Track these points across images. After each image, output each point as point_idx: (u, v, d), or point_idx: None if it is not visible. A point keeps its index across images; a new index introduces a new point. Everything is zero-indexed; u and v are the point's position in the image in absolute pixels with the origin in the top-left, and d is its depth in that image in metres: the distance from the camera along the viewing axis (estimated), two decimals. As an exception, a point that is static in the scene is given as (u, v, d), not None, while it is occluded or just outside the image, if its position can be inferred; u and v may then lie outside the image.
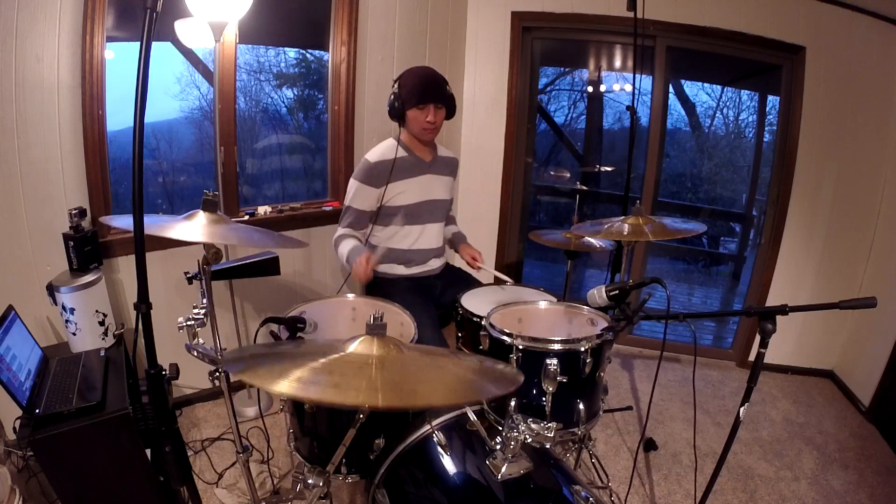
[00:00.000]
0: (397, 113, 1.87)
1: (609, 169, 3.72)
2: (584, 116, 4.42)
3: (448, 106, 1.90)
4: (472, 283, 2.05)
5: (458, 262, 2.21)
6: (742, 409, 1.25)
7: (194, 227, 1.19)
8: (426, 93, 1.83)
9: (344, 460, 1.35)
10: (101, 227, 1.94)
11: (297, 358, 0.88)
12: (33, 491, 1.59)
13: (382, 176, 1.88)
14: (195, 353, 1.30)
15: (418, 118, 1.85)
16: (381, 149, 1.93)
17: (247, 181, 2.67)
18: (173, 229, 1.16)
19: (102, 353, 1.72)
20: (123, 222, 1.23)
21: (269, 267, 2.02)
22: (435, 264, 2.09)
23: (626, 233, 1.75)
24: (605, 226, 1.83)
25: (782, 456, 2.25)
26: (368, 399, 0.75)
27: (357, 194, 1.90)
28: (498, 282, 2.02)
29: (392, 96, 1.86)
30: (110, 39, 1.89)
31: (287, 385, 0.76)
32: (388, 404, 0.75)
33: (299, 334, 1.37)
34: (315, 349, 0.94)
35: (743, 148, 4.27)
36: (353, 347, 0.91)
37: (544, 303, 1.73)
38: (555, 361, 1.40)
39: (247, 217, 2.38)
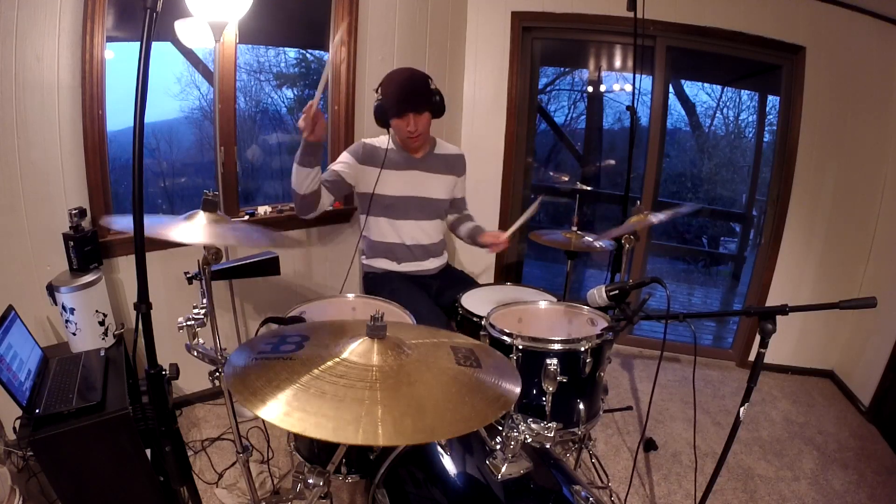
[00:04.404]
0: (381, 121, 1.88)
1: (610, 162, 3.72)
2: (584, 116, 4.42)
3: (432, 108, 1.85)
4: (471, 283, 2.05)
5: (459, 263, 2.21)
6: (742, 409, 1.25)
7: (194, 228, 1.19)
8: (403, 102, 1.79)
9: (344, 460, 1.35)
10: (101, 227, 1.94)
11: (294, 367, 0.87)
12: (33, 491, 1.59)
13: (370, 158, 1.91)
14: (195, 353, 1.30)
15: (400, 127, 1.84)
16: (377, 138, 1.97)
17: (247, 181, 2.67)
18: (173, 230, 1.16)
19: (102, 353, 1.72)
20: (124, 224, 1.23)
21: (269, 267, 2.02)
22: (430, 264, 2.08)
23: (635, 226, 1.77)
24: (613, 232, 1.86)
25: (782, 456, 2.25)
26: (367, 437, 0.72)
27: (342, 160, 1.93)
28: (503, 281, 2.01)
29: (376, 103, 1.84)
30: (110, 39, 1.89)
31: (284, 417, 0.75)
32: (391, 442, 0.73)
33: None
34: (313, 349, 0.94)
35: (743, 148, 4.28)
36: (351, 351, 0.91)
37: (544, 303, 1.74)
38: (555, 361, 1.40)
39: (247, 217, 2.38)
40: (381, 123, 1.89)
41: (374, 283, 2.01)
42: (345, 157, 1.93)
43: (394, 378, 0.86)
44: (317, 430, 0.73)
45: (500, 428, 1.10)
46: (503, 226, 3.21)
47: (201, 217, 1.22)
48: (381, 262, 2.02)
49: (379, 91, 1.84)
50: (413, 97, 1.80)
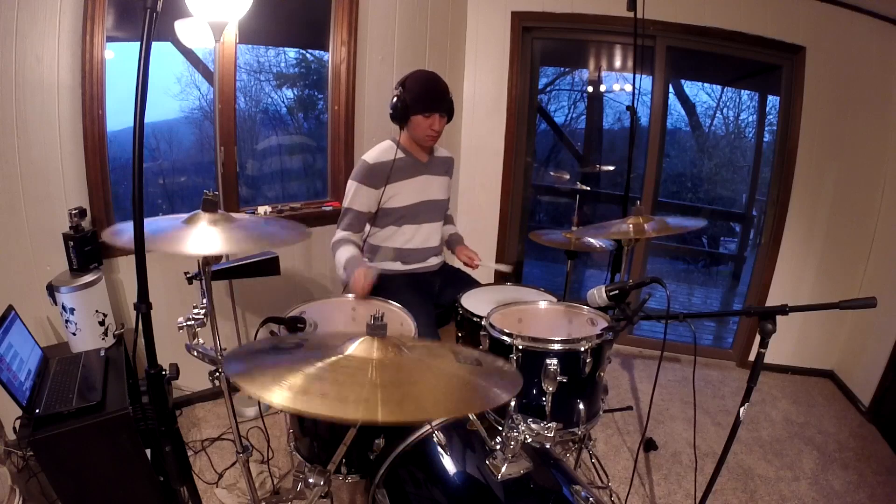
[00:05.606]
0: (400, 116, 1.86)
1: (609, 168, 3.72)
2: (584, 116, 4.42)
3: (450, 114, 1.91)
4: (471, 283, 2.06)
5: (458, 262, 2.21)
6: (742, 409, 1.25)
7: (196, 236, 1.16)
8: (434, 101, 1.84)
9: (344, 460, 1.35)
10: (101, 227, 1.94)
11: (295, 360, 0.87)
12: (33, 491, 1.59)
13: (381, 177, 1.88)
14: (195, 353, 1.30)
15: (422, 125, 1.85)
16: (378, 150, 1.93)
17: (247, 181, 2.67)
18: (176, 240, 1.14)
19: (102, 353, 1.72)
20: (128, 237, 1.19)
21: (269, 267, 2.02)
22: (433, 262, 2.10)
23: (628, 232, 1.75)
24: (608, 229, 1.83)
25: (782, 456, 2.25)
26: (368, 413, 0.73)
27: (356, 195, 1.90)
28: (499, 275, 2.02)
29: (395, 98, 1.84)
30: (110, 39, 1.89)
31: (283, 396, 0.75)
32: (388, 419, 0.73)
33: (299, 334, 1.38)
34: (314, 349, 0.94)
35: (743, 148, 4.27)
36: (353, 349, 0.91)
37: (544, 303, 1.74)
38: (555, 361, 1.40)
39: (247, 217, 2.38)
40: (398, 119, 1.88)
41: (378, 285, 2.01)
42: (360, 190, 1.89)
43: (394, 370, 0.86)
44: (317, 407, 0.74)
45: (500, 428, 1.10)
46: (503, 227, 3.22)
47: (202, 219, 1.21)
48: (387, 264, 2.02)
49: (403, 87, 1.83)
50: (443, 99, 1.85)
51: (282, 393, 0.76)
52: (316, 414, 0.72)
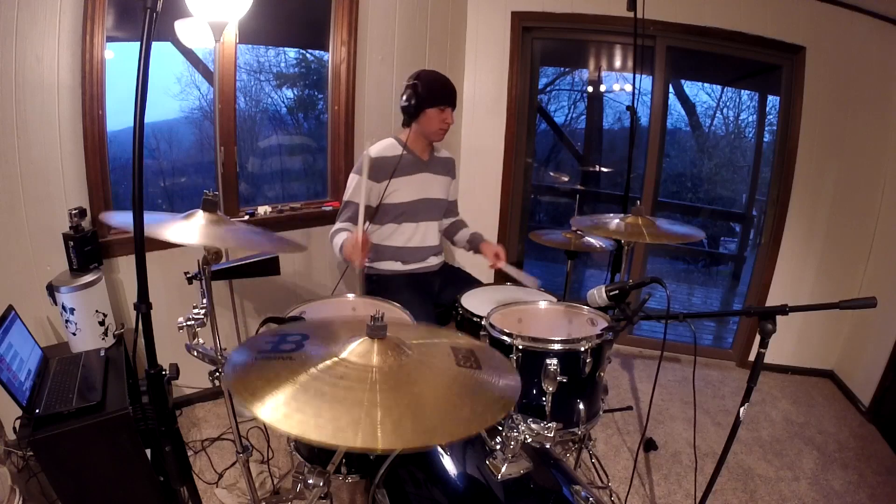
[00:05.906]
0: (414, 109, 1.88)
1: (608, 170, 3.72)
2: (584, 116, 4.42)
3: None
4: (472, 283, 2.05)
5: (458, 261, 2.21)
6: (742, 409, 1.25)
7: (192, 228, 1.17)
8: (448, 96, 1.90)
9: (344, 460, 1.35)
10: (101, 227, 1.94)
11: (293, 367, 0.86)
12: (33, 491, 1.59)
13: (382, 172, 1.89)
14: (195, 353, 1.30)
15: (436, 118, 1.89)
16: (380, 146, 1.94)
17: (247, 181, 2.67)
18: (170, 230, 1.14)
19: (102, 353, 1.72)
20: (121, 220, 1.21)
21: (269, 267, 2.02)
22: (433, 261, 2.10)
23: (623, 231, 1.75)
24: (605, 221, 1.83)
25: (782, 456, 2.25)
26: (367, 442, 0.71)
27: (357, 189, 1.90)
28: (500, 275, 2.01)
29: (409, 93, 1.86)
30: (110, 39, 1.89)
31: (280, 419, 0.74)
32: (390, 446, 0.72)
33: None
34: (313, 350, 0.94)
35: (743, 148, 4.27)
36: (351, 351, 0.90)
37: (544, 303, 1.74)
38: (555, 361, 1.40)
39: (247, 217, 2.38)
40: (411, 112, 1.89)
41: (378, 285, 2.01)
42: (359, 183, 1.85)
43: (394, 379, 0.86)
44: (316, 432, 0.73)
45: (500, 428, 1.10)
46: (503, 227, 3.22)
47: (200, 217, 1.22)
48: (386, 264, 2.02)
49: (418, 81, 1.85)
50: (455, 94, 1.92)
51: (282, 416, 0.75)
52: (317, 440, 0.72)
